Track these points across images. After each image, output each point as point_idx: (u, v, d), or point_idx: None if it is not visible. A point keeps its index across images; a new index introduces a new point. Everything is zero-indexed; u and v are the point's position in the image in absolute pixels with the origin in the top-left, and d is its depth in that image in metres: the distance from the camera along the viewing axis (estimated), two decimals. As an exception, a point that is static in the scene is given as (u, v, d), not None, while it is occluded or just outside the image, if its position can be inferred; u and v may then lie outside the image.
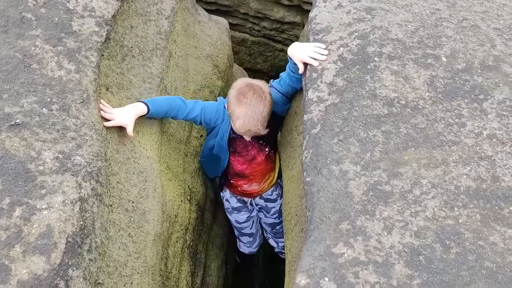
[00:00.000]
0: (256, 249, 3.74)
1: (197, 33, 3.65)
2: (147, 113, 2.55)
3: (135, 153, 2.50)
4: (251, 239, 3.61)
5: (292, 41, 5.57)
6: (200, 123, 2.92)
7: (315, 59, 2.43)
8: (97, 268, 1.91)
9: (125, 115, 2.40)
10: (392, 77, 2.30)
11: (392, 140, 2.08)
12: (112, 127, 2.34)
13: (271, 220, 3.49)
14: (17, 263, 1.69)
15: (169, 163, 2.94)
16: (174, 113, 2.74)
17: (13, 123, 2.03)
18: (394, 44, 2.44)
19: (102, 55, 2.49)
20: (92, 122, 2.21)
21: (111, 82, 2.55)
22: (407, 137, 2.09)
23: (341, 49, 2.46)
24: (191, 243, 2.99)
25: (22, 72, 2.20)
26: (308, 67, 2.47)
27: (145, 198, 2.41)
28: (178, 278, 2.75)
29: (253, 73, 5.66)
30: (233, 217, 3.50)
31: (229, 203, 3.42)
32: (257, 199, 3.35)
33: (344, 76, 2.35)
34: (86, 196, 1.96)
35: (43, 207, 1.83)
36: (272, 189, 3.29)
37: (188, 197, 3.03)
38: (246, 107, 2.60)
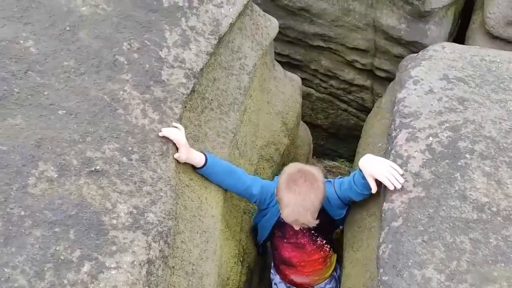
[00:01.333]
0: None
1: (271, 88, 3.62)
2: (203, 165, 2.44)
3: (201, 210, 2.44)
4: None
5: (359, 104, 5.53)
6: (255, 203, 2.77)
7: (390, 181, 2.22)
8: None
9: (184, 142, 2.30)
10: (484, 179, 2.17)
11: (480, 250, 1.94)
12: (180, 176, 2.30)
13: None
14: (79, 324, 1.62)
15: (229, 221, 2.87)
16: (233, 182, 2.60)
17: (93, 169, 2.01)
18: (487, 142, 2.32)
19: (185, 106, 2.47)
20: (168, 177, 2.17)
21: (188, 134, 2.52)
22: (497, 249, 1.94)
23: (430, 138, 2.36)
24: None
25: (108, 115, 2.19)
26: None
27: (205, 261, 2.33)
28: None
29: (312, 127, 5.58)
30: None
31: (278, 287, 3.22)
32: None
33: (432, 169, 2.23)
34: (154, 258, 1.89)
35: (112, 266, 1.77)
36: (326, 281, 3.07)
37: (241, 259, 2.94)
38: (296, 195, 2.40)
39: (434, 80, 2.68)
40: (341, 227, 2.99)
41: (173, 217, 2.09)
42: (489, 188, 2.14)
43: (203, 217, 2.43)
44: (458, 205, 2.08)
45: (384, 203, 2.21)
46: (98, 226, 1.85)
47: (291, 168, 2.55)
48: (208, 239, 2.40)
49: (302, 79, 5.29)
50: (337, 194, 2.62)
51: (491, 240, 1.97)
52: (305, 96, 5.47)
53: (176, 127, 2.31)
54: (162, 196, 2.08)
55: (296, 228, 2.70)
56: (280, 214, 2.51)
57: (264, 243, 3.13)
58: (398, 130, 2.47)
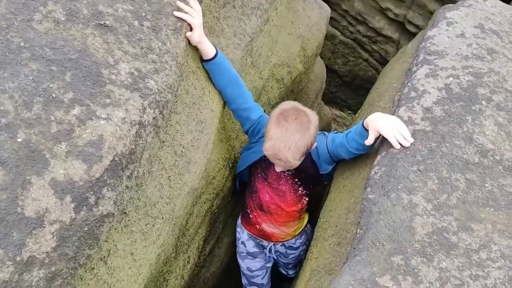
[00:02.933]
0: None
1: (298, 9, 3.49)
2: (211, 58, 2.34)
3: (202, 101, 2.38)
4: None
5: (381, 56, 5.38)
6: (248, 130, 2.68)
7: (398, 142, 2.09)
8: (129, 198, 1.80)
9: (200, 23, 2.20)
10: (495, 127, 2.10)
11: (473, 191, 1.89)
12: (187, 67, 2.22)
13: (286, 261, 3.18)
14: (57, 160, 1.58)
15: (226, 124, 2.82)
16: (236, 93, 2.49)
17: (102, 23, 1.93)
18: (506, 95, 2.24)
19: (208, -8, 2.36)
20: (176, 53, 2.09)
21: (205, 22, 2.43)
22: (490, 194, 1.90)
23: (450, 79, 2.27)
24: (216, 210, 2.86)
25: (128, -23, 2.08)
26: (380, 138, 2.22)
27: (196, 149, 2.28)
28: (192, 239, 2.63)
29: (328, 71, 5.46)
30: (245, 264, 3.14)
31: (245, 246, 3.08)
32: (278, 246, 3.01)
33: (444, 107, 2.16)
34: (146, 123, 1.84)
35: (102, 116, 1.72)
36: (296, 237, 2.98)
37: (230, 165, 2.90)
38: (282, 130, 2.31)
39: (468, 26, 2.56)
40: (325, 183, 2.88)
41: (173, 93, 2.03)
42: (497, 137, 2.07)
43: (202, 108, 2.37)
44: (462, 145, 2.02)
45: (388, 130, 2.14)
46: (96, 76, 1.79)
47: (287, 104, 2.47)
48: (203, 130, 2.35)
49: (330, 17, 5.13)
50: (327, 148, 2.53)
51: (486, 185, 1.92)
52: (329, 37, 5.32)
53: (193, 8, 2.19)
54: (167, 68, 2.01)
55: (278, 169, 2.62)
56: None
57: (242, 181, 2.97)
58: (420, 65, 2.38)
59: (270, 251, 3.06)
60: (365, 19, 4.94)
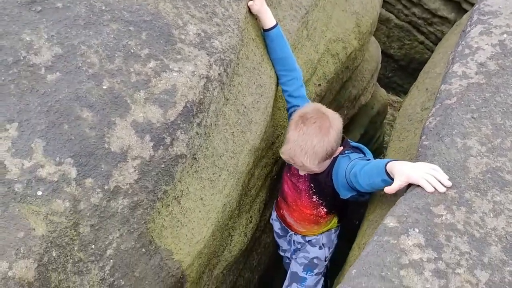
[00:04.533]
0: None
1: (352, -13, 3.59)
2: (272, 27, 2.43)
3: (261, 66, 2.54)
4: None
5: (437, 37, 5.36)
6: (290, 109, 2.60)
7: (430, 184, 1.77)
8: (199, 145, 1.97)
9: (266, 9, 2.39)
10: (551, 79, 2.12)
11: (528, 136, 1.93)
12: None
13: (300, 258, 2.90)
14: (137, 105, 1.78)
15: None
16: (288, 68, 2.52)
17: (171, -10, 2.12)
18: None
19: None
20: (238, 18, 2.26)
21: (263, -7, 2.59)
22: (546, 140, 1.93)
23: (505, 35, 2.31)
24: (275, 176, 3.01)
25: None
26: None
27: (256, 110, 2.44)
28: (254, 200, 2.79)
29: (383, 56, 5.49)
30: (278, 242, 3.11)
31: (273, 226, 3.05)
32: (299, 236, 2.86)
33: (498, 61, 2.20)
34: (212, 78, 2.02)
35: (175, 69, 1.91)
36: (318, 235, 2.81)
37: (288, 134, 3.04)
38: (299, 134, 2.21)
39: (523, -14, 2.57)
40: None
41: (236, 53, 2.19)
42: (553, 88, 2.09)
43: (261, 73, 2.53)
44: (517, 95, 2.06)
45: (442, 85, 2.21)
46: (167, 36, 1.99)
47: (310, 106, 2.39)
48: (263, 93, 2.51)
49: (384, 2, 5.18)
50: (345, 173, 2.29)
51: (542, 131, 1.95)
52: (383, 21, 5.36)
53: None
54: (230, 31, 2.18)
55: (301, 173, 2.52)
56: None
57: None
58: (474, 25, 2.43)
59: (291, 238, 2.93)
60: (420, 0, 4.95)
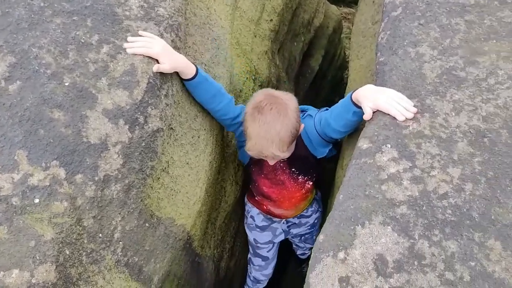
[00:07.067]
0: (264, 280, 3.23)
1: None
2: (192, 77, 2.12)
3: (210, 20, 2.55)
4: (263, 263, 3.14)
5: None
6: (234, 129, 2.46)
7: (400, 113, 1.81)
8: (172, 114, 2.04)
9: (163, 50, 1.95)
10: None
11: (474, 30, 2.03)
12: None
13: (302, 231, 3.08)
14: (103, 93, 1.83)
15: (239, 39, 2.99)
16: (221, 100, 2.28)
17: (103, -32, 2.10)
18: None
19: None
20: (176, -21, 2.25)
21: None
22: (490, 29, 2.03)
23: None
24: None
25: None
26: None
27: (216, 65, 2.49)
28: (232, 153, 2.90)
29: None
30: (252, 235, 3.05)
31: (254, 220, 2.99)
32: (290, 218, 2.96)
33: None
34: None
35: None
36: (308, 207, 2.92)
37: (253, 77, 3.10)
38: (260, 125, 2.12)
39: None
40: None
41: (183, 14, 2.21)
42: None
43: (212, 26, 2.55)
44: (457, -8, 2.13)
45: (386, -2, 2.27)
46: (112, 16, 1.99)
47: (259, 94, 2.26)
48: (219, 46, 2.55)
49: None
50: (316, 130, 2.31)
51: (485, 21, 2.05)
52: None
53: (145, 37, 1.95)
54: (171, -6, 2.19)
55: (271, 163, 2.44)
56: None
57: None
58: None
59: (281, 222, 3.00)
60: None
